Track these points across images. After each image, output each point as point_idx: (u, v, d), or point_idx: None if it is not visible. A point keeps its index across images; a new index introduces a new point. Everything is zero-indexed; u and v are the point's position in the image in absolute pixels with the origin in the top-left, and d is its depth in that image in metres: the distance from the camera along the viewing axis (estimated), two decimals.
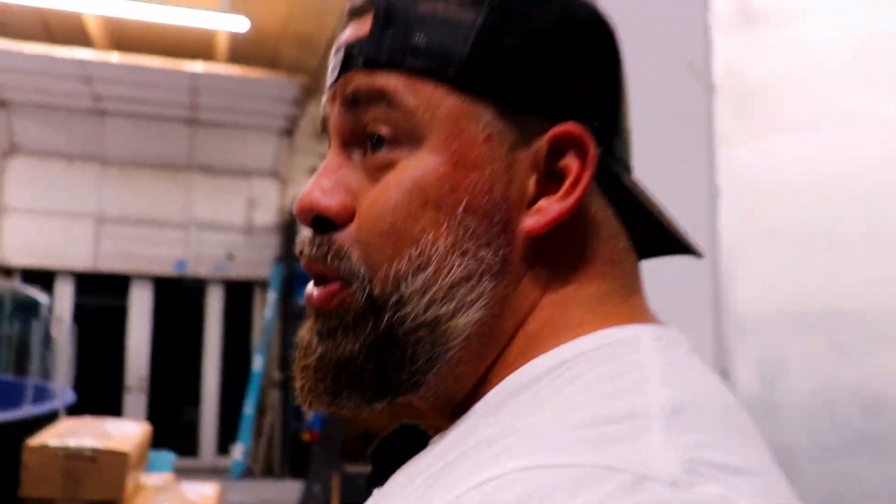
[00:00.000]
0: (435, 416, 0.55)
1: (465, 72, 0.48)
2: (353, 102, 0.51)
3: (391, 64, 0.49)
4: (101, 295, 9.57)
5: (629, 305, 0.51)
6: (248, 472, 8.88)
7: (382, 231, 0.49)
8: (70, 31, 8.18)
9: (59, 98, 8.94)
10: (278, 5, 7.51)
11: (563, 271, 0.50)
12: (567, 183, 0.49)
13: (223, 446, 9.38)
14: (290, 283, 9.27)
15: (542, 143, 0.49)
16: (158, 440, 9.17)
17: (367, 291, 0.50)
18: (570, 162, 0.49)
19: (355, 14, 0.53)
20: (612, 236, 0.52)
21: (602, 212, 0.52)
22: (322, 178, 0.53)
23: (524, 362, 0.48)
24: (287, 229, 9.68)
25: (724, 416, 0.44)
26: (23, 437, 2.68)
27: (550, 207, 0.49)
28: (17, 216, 9.17)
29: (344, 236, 0.51)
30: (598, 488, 0.35)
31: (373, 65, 0.50)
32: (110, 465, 2.50)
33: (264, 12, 7.76)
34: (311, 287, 0.55)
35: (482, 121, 0.49)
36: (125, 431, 2.83)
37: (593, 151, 0.48)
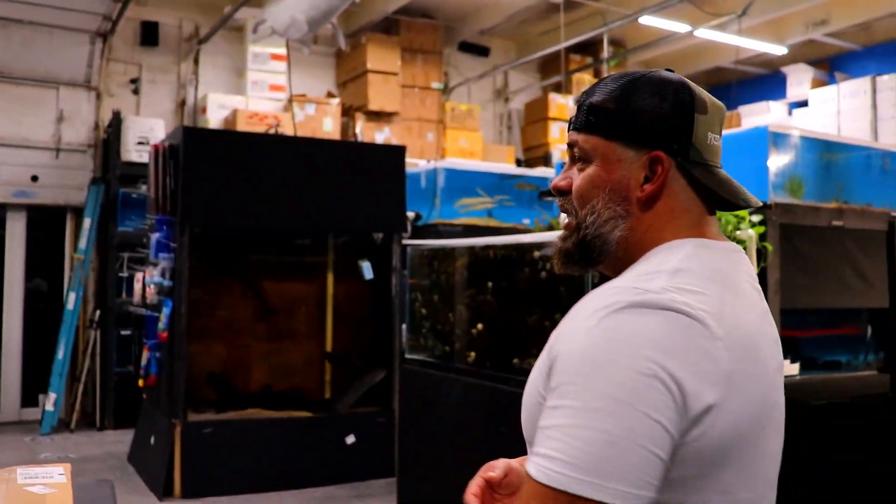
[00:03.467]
0: (614, 276, 1.18)
1: (608, 131, 1.18)
2: (569, 145, 1.23)
3: (582, 129, 1.21)
4: None
5: (690, 231, 1.17)
6: (61, 425, 7.80)
7: (580, 196, 1.20)
8: None
9: None
10: None
11: (658, 215, 1.17)
12: (655, 177, 1.16)
13: (29, 398, 8.19)
14: (111, 210, 8.10)
15: (645, 159, 1.16)
16: None
17: (576, 221, 1.21)
18: (658, 167, 1.16)
19: (576, 102, 1.26)
20: (685, 198, 1.18)
21: (679, 188, 1.17)
22: (562, 172, 1.25)
23: (644, 255, 1.17)
24: (105, 147, 8.45)
25: (707, 275, 1.10)
26: None
27: (646, 188, 1.16)
28: None
29: (571, 197, 1.22)
30: (625, 293, 1.03)
31: (576, 129, 1.22)
32: None
33: None
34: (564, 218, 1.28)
35: (616, 152, 1.18)
36: None
37: (667, 163, 1.16)
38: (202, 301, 6.22)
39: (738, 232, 3.71)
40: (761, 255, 3.78)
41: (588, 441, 0.93)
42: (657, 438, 0.94)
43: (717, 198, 1.19)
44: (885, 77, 8.79)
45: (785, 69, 10.59)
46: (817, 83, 10.18)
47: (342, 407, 6.11)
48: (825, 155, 4.21)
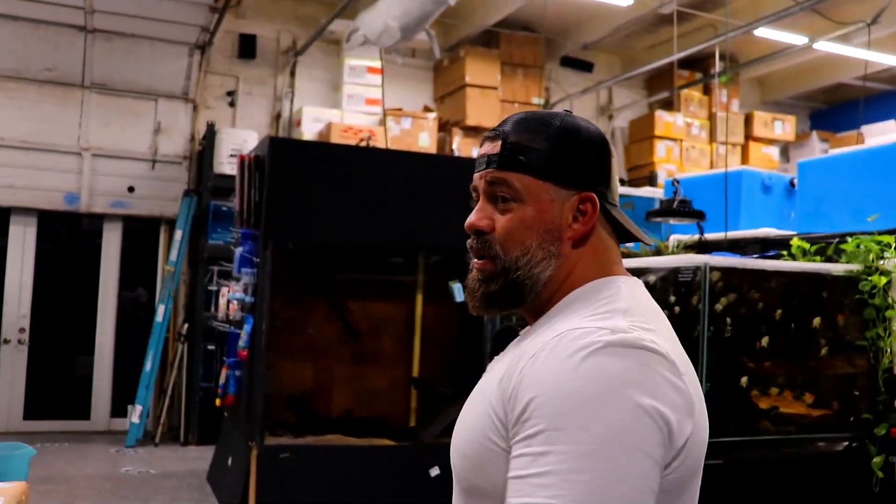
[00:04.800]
0: (529, 317, 1.24)
1: (540, 171, 1.18)
2: (491, 182, 1.20)
3: (510, 167, 1.19)
4: None
5: (613, 268, 1.22)
6: (147, 438, 7.72)
7: (509, 238, 1.18)
8: None
9: None
10: None
11: (585, 253, 1.20)
12: (585, 218, 1.19)
13: (119, 408, 8.16)
14: (202, 222, 8.03)
15: (575, 199, 1.19)
16: (42, 401, 7.98)
17: (502, 264, 1.19)
18: (587, 208, 1.19)
19: (490, 138, 1.23)
20: (605, 237, 1.23)
21: (602, 226, 1.22)
22: (479, 212, 1.22)
23: (569, 292, 1.19)
24: (199, 159, 8.40)
25: (650, 312, 1.14)
26: None
27: (577, 228, 1.19)
28: None
29: (491, 238, 1.20)
30: (596, 333, 1.03)
31: (501, 167, 1.19)
32: None
33: None
34: (475, 260, 1.23)
35: (549, 192, 1.18)
36: None
37: (597, 204, 1.19)
38: (285, 319, 6.00)
39: (881, 261, 3.21)
40: None
41: (590, 485, 0.94)
42: (652, 475, 0.98)
43: (624, 233, 1.26)
44: None
45: None
46: None
47: (427, 436, 5.78)
48: None
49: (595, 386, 0.98)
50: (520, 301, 1.20)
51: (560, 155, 1.18)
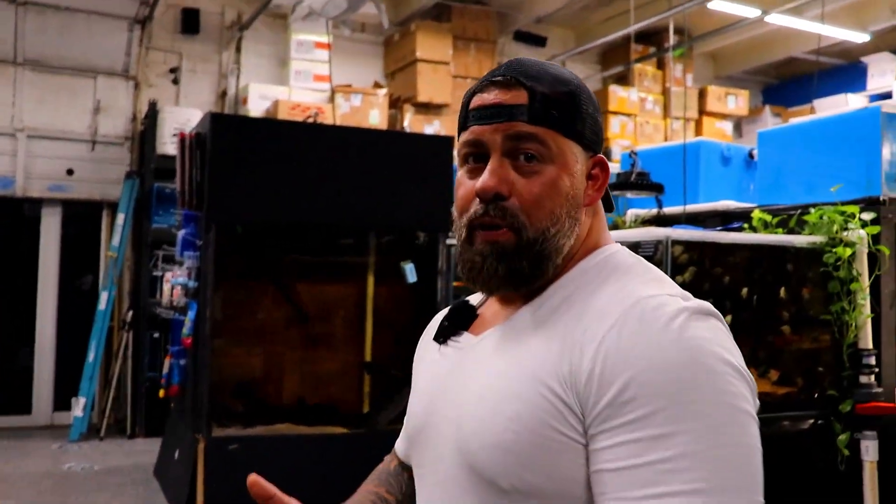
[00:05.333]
0: (511, 295, 1.09)
1: (569, 129, 1.05)
2: (516, 137, 1.03)
3: (542, 122, 1.03)
4: None
5: (608, 236, 1.13)
6: (91, 432, 7.44)
7: (538, 205, 1.03)
8: None
9: None
10: None
11: (595, 221, 1.10)
12: (598, 183, 1.10)
13: (62, 401, 7.85)
14: (145, 205, 7.72)
15: (591, 163, 1.09)
16: None
17: (527, 235, 1.03)
18: (598, 173, 1.10)
19: (501, 85, 1.05)
20: (600, 203, 1.13)
21: None
22: (495, 173, 1.03)
23: (579, 261, 1.07)
24: (141, 140, 8.07)
25: (670, 281, 1.05)
26: None
27: (592, 194, 1.09)
28: None
29: (511, 205, 1.03)
30: (674, 301, 0.94)
31: (533, 121, 1.03)
32: None
33: None
34: (482, 231, 1.04)
35: (575, 153, 1.06)
36: None
37: (609, 170, 1.11)
38: (231, 304, 5.76)
39: (845, 233, 3.10)
40: (875, 260, 3.15)
41: (729, 460, 0.87)
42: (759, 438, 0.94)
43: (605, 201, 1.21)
44: None
45: (865, 59, 9.80)
46: None
47: (381, 422, 5.60)
48: None
49: (703, 355, 0.89)
50: (541, 276, 1.05)
51: (581, 114, 1.06)
